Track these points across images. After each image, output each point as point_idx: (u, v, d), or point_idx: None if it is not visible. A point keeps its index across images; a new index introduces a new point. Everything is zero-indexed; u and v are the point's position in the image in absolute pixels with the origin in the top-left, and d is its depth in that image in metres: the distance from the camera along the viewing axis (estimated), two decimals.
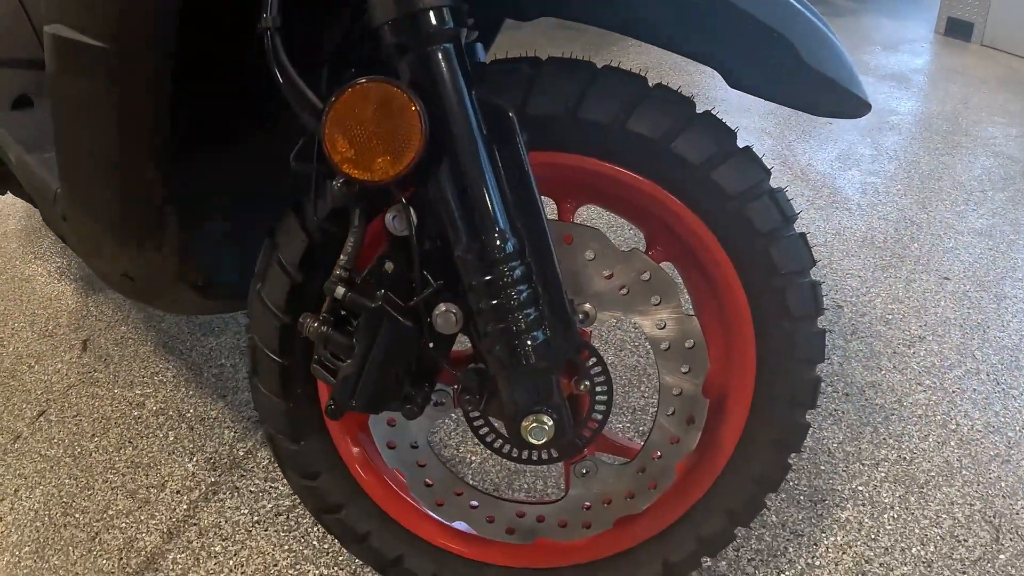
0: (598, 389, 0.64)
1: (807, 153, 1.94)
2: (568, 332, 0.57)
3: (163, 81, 0.59)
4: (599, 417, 0.65)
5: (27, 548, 1.02)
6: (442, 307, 0.57)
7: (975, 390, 1.13)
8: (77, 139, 0.68)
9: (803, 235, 0.66)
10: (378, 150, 0.49)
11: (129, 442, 1.15)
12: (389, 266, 0.56)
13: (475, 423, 0.67)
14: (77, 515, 1.05)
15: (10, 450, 1.17)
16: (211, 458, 1.11)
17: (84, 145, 0.68)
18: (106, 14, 0.57)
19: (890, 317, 1.30)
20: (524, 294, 0.54)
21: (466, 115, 0.52)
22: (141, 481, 1.09)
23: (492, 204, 0.53)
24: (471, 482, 0.80)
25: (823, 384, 1.14)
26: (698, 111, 0.64)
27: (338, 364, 0.58)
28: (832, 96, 0.60)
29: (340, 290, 0.56)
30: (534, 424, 0.57)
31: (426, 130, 0.49)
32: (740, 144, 0.64)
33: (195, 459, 1.11)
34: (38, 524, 1.05)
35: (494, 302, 0.54)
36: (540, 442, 0.58)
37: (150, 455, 1.12)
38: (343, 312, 0.58)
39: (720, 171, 0.63)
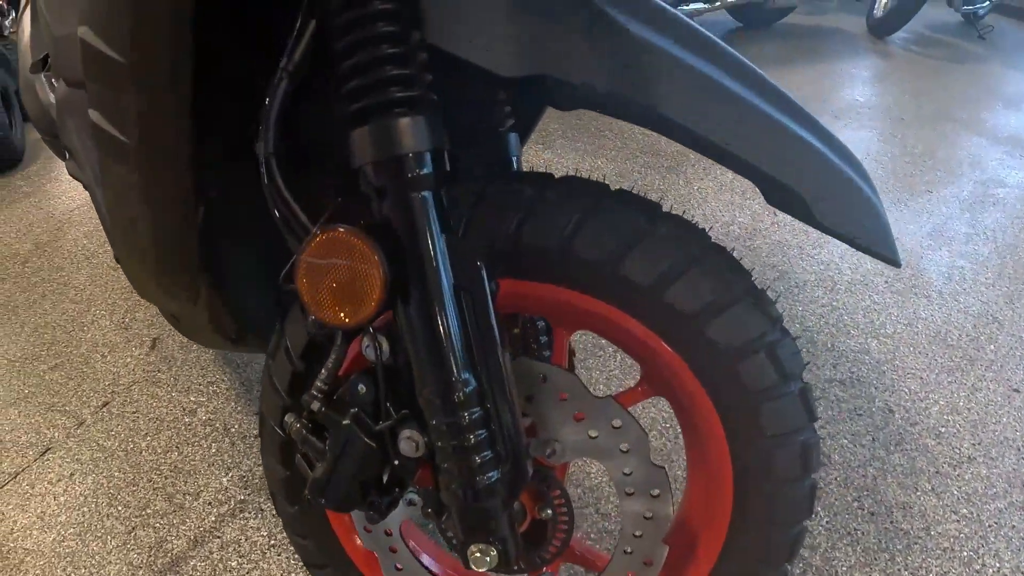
0: (560, 518, 0.66)
1: (897, 225, 1.83)
2: (520, 473, 0.59)
3: (183, 167, 0.63)
4: (558, 543, 0.67)
5: (72, 530, 1.14)
6: (406, 433, 0.59)
7: (1014, 527, 1.06)
8: (113, 195, 0.74)
9: (805, 389, 0.62)
10: (340, 299, 0.52)
11: (176, 447, 1.25)
12: (362, 388, 0.59)
13: (442, 526, 0.70)
14: (119, 508, 1.16)
15: (73, 434, 1.30)
16: (245, 476, 1.20)
17: (119, 199, 0.73)
18: (128, 114, 0.61)
19: (943, 430, 1.22)
20: (481, 437, 0.56)
21: (435, 265, 0.54)
22: (180, 487, 1.18)
23: (455, 351, 0.55)
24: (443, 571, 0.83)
25: (850, 497, 1.10)
26: (709, 244, 0.60)
27: (314, 463, 0.63)
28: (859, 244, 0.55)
29: (315, 404, 0.60)
30: (478, 553, 0.60)
31: (387, 281, 0.52)
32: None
33: (231, 474, 1.20)
34: (85, 510, 1.16)
35: (452, 443, 0.56)
36: (482, 570, 0.60)
37: (192, 463, 1.22)
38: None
39: (714, 325, 0.59)
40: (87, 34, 0.54)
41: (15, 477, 1.24)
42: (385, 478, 0.62)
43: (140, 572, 1.05)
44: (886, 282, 1.61)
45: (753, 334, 0.60)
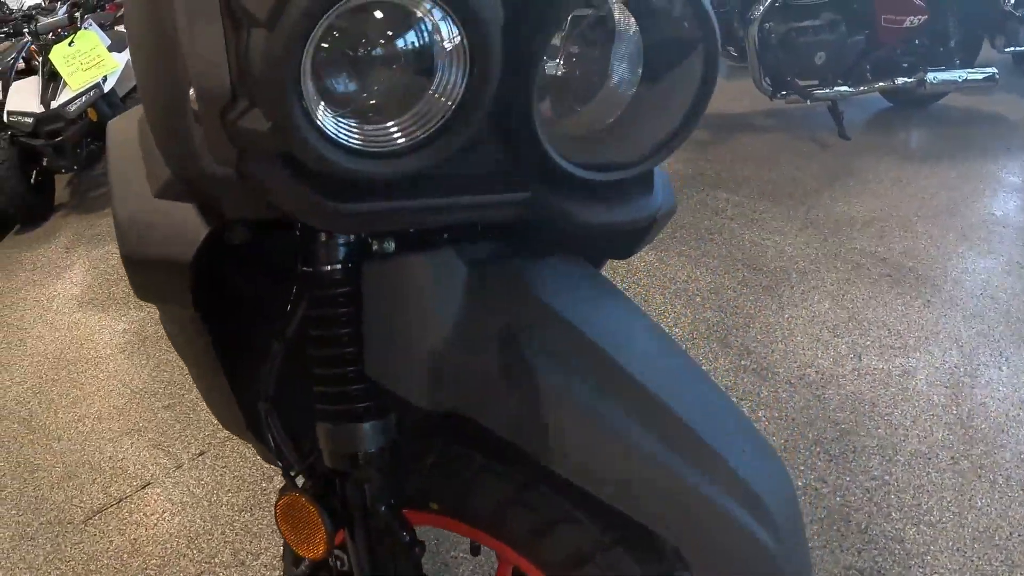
0: None
1: (989, 387, 1.74)
2: None
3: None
4: None
5: (154, 560, 1.40)
6: None
7: None
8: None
9: None
10: (301, 540, 0.70)
11: (250, 508, 1.49)
12: None
13: None
14: (194, 551, 1.41)
15: (171, 475, 1.58)
16: None
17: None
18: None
19: None
20: None
21: (368, 543, 0.69)
22: (245, 545, 1.42)
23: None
24: None
25: None
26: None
27: None
28: None
29: None
30: None
31: (331, 533, 0.67)
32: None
33: None
34: (167, 546, 1.43)
35: None
36: None
37: (260, 526, 1.45)
38: None
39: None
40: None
41: (119, 503, 1.54)
42: None
43: None
44: (952, 458, 1.55)
45: None
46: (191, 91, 0.50)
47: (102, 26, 3.96)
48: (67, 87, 3.57)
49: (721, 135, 3.49)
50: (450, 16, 0.47)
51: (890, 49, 3.25)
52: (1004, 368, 1.81)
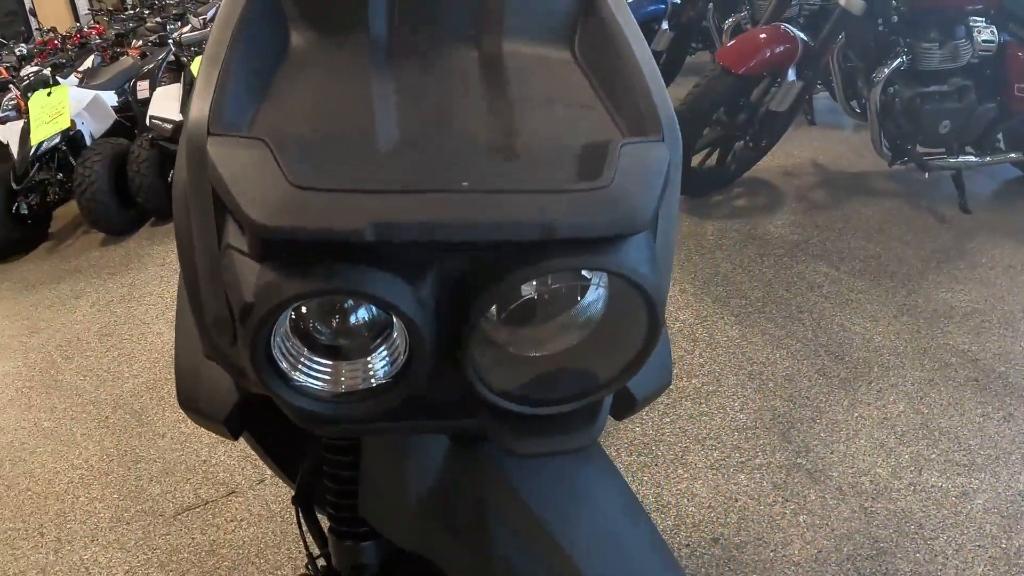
0: None
1: None
2: None
3: None
4: None
5: (226, 563, 1.74)
6: None
7: None
8: None
9: None
10: None
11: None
12: None
13: None
14: (261, 562, 1.75)
15: (253, 487, 1.95)
16: None
17: None
18: None
19: None
20: None
21: None
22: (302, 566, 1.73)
23: None
24: None
25: None
26: None
27: None
28: None
29: None
30: None
31: None
32: None
33: None
34: (239, 552, 1.76)
35: None
36: None
37: None
38: None
39: None
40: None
41: (205, 504, 1.91)
42: None
43: None
44: None
45: None
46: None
47: None
48: None
49: (836, 197, 3.46)
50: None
51: (1023, 119, 3.10)
52: None
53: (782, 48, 2.92)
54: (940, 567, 1.67)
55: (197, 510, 2.06)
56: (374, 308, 0.63)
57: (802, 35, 2.96)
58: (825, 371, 2.33)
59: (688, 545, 1.78)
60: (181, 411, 2.36)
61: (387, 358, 0.63)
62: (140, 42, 6.17)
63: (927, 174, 3.08)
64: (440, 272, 0.58)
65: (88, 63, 5.84)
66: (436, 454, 0.84)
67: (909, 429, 2.07)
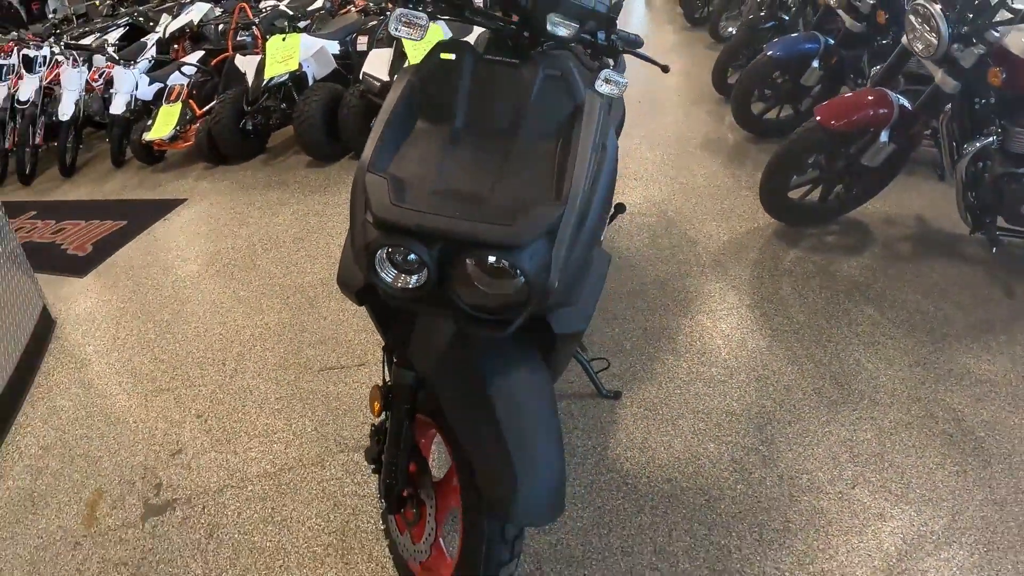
0: None
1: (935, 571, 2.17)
2: None
3: None
4: None
5: (347, 411, 2.60)
6: None
7: None
8: None
9: None
10: (371, 406, 1.78)
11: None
12: None
13: None
14: (370, 419, 2.57)
15: (379, 363, 2.75)
16: None
17: None
18: None
19: None
20: None
21: (398, 418, 1.73)
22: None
23: None
24: None
25: None
26: None
27: None
28: None
29: None
30: None
31: (381, 408, 1.78)
32: None
33: None
34: (356, 411, 2.62)
35: None
36: None
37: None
38: None
39: None
40: None
41: (342, 368, 2.89)
42: None
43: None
44: None
45: None
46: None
47: None
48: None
49: (921, 252, 3.70)
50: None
51: None
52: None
53: (877, 111, 3.24)
54: (828, 557, 2.17)
55: (335, 370, 3.02)
56: (412, 255, 1.47)
57: (903, 101, 3.26)
58: (821, 391, 2.79)
59: (647, 477, 2.42)
60: (341, 302, 3.61)
61: (417, 278, 1.48)
62: None
63: (995, 248, 3.30)
64: (442, 247, 1.42)
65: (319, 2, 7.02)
66: (448, 331, 1.63)
67: (865, 454, 2.51)
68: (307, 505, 2.48)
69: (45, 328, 3.82)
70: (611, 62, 1.92)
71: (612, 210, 3.35)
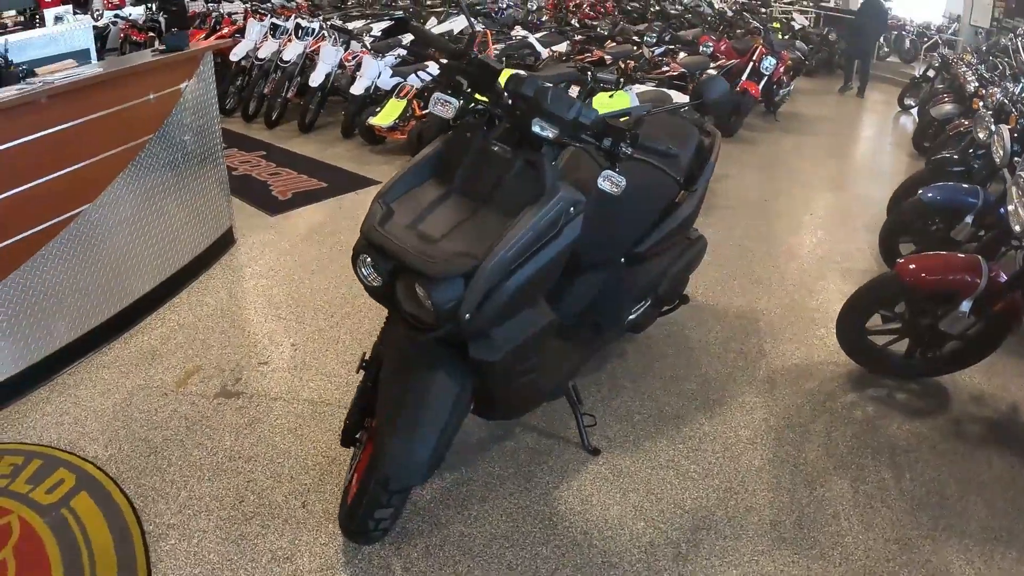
0: None
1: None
2: None
3: None
4: None
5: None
6: None
7: None
8: None
9: None
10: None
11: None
12: None
13: None
14: None
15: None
16: None
17: None
18: None
19: None
20: None
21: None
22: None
23: None
24: None
25: None
26: None
27: None
28: None
29: None
30: None
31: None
32: None
33: None
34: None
35: None
36: None
37: None
38: None
39: None
40: None
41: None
42: None
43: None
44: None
45: None
46: None
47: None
48: None
49: (986, 440, 3.41)
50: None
51: None
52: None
53: (962, 277, 3.10)
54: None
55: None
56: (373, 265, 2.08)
57: (992, 272, 3.09)
58: (779, 525, 2.82)
59: (568, 520, 2.74)
60: None
61: (380, 280, 2.08)
62: (612, 43, 7.96)
63: None
64: (394, 264, 2.03)
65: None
66: (403, 329, 2.19)
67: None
68: (323, 432, 3.20)
69: (225, 243, 4.92)
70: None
71: (676, 300, 3.65)
